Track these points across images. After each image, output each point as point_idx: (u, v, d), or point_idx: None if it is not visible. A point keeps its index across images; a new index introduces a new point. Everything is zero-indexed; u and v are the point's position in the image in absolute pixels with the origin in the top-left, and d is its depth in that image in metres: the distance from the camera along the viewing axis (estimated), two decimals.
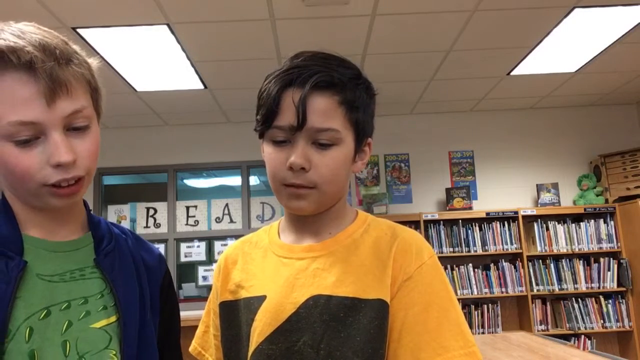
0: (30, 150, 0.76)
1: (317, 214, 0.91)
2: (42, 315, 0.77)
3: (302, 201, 0.87)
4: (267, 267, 0.93)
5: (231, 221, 4.98)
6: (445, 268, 4.60)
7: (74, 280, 0.83)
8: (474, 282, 4.58)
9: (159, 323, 0.92)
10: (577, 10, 3.12)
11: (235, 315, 0.93)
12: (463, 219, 4.65)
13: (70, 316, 0.80)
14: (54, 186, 0.79)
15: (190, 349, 1.03)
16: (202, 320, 1.03)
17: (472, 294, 4.56)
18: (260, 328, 0.85)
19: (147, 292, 0.90)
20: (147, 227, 4.96)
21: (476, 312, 4.57)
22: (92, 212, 0.94)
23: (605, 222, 4.63)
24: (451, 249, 4.63)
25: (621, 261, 4.53)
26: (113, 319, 0.83)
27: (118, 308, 0.84)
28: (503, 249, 4.60)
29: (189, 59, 3.58)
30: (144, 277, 0.91)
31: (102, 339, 0.81)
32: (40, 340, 0.76)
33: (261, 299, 0.88)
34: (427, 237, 4.60)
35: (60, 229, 0.86)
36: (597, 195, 4.76)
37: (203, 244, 4.95)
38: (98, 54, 3.40)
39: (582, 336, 4.53)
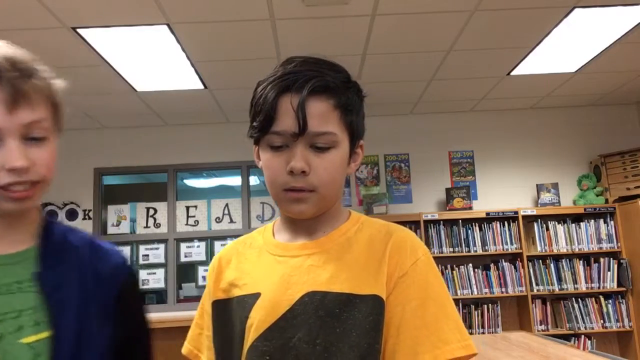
0: None
1: None
2: None
3: (302, 205, 0.88)
4: (262, 265, 0.93)
5: (231, 221, 4.98)
6: (445, 268, 4.60)
7: (10, 293, 0.83)
8: (474, 282, 4.58)
9: (115, 333, 0.90)
10: (577, 10, 3.12)
11: (228, 313, 0.93)
12: (463, 219, 4.65)
13: (2, 329, 0.80)
14: (7, 190, 0.80)
15: (183, 350, 1.02)
16: (195, 322, 1.03)
17: (472, 294, 4.56)
18: (255, 325, 0.86)
19: (93, 305, 0.88)
20: (147, 227, 4.96)
21: (476, 312, 4.57)
22: (55, 221, 0.94)
23: (605, 222, 4.63)
24: (451, 249, 4.62)
25: (621, 261, 4.53)
26: (44, 334, 0.82)
27: (51, 324, 0.82)
28: (503, 249, 4.60)
29: (189, 59, 3.58)
30: (92, 289, 0.89)
31: (26, 355, 0.80)
32: None
33: (255, 296, 0.89)
34: (427, 237, 4.60)
35: (2, 240, 0.86)
36: (597, 195, 4.76)
37: (203, 244, 4.95)
38: (98, 54, 3.41)
39: (582, 336, 4.53)
